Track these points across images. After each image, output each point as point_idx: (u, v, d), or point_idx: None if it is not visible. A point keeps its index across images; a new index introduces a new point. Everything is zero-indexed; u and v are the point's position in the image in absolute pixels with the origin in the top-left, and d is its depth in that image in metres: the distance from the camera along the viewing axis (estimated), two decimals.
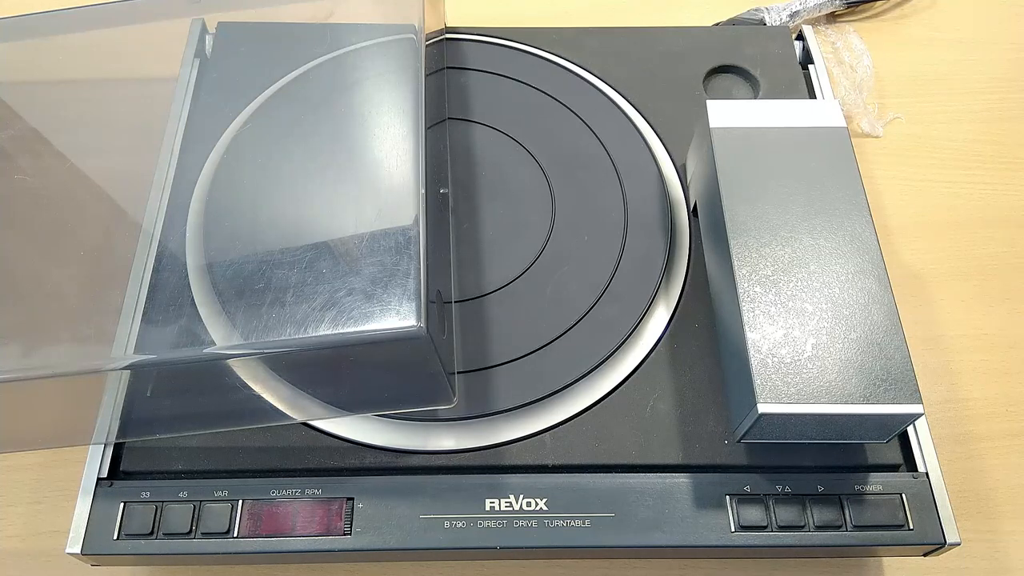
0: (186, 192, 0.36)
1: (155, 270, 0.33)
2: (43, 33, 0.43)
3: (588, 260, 0.40)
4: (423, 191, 0.32)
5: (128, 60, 0.44)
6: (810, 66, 0.49)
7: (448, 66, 0.47)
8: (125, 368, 0.31)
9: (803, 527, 0.34)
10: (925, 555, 0.35)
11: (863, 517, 0.34)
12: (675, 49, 0.48)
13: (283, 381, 0.32)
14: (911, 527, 0.34)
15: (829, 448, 0.35)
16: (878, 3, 0.58)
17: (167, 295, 0.32)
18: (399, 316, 0.29)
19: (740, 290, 0.34)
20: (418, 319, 0.29)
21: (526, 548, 0.34)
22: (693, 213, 0.42)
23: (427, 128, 0.35)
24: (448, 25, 0.49)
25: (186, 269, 0.33)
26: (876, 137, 0.52)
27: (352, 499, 0.34)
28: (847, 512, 0.34)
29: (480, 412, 0.36)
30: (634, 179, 0.43)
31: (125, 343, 0.31)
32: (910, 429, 0.36)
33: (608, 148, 0.44)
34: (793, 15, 0.55)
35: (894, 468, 0.36)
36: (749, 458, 0.35)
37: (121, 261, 0.34)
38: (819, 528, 0.34)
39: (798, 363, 0.32)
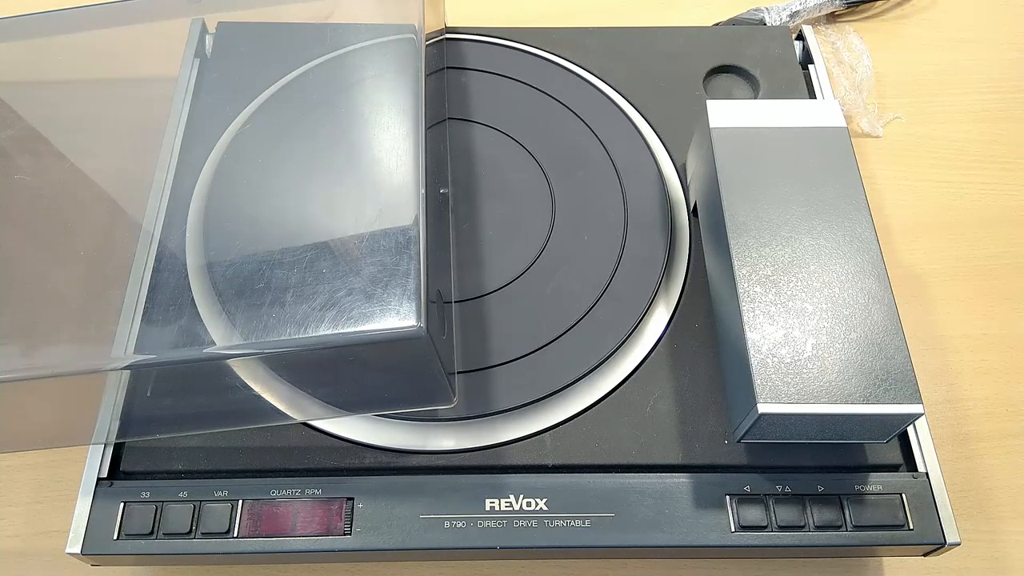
0: (186, 192, 0.36)
1: (155, 270, 0.33)
2: (43, 33, 0.43)
3: (588, 260, 0.40)
4: (423, 191, 0.32)
5: (128, 60, 0.44)
6: (810, 66, 0.49)
7: (448, 66, 0.47)
8: (125, 368, 0.31)
9: (803, 527, 0.34)
10: (925, 555, 0.35)
11: (863, 517, 0.34)
12: (675, 49, 0.48)
13: (283, 381, 0.32)
14: (911, 527, 0.34)
15: (829, 448, 0.35)
16: (878, 3, 0.58)
17: (167, 295, 0.32)
18: (399, 316, 0.29)
19: (740, 290, 0.34)
20: (418, 319, 0.29)
21: (526, 548, 0.34)
22: (693, 213, 0.42)
23: (427, 128, 0.35)
24: (448, 25, 0.49)
25: (186, 269, 0.33)
26: (876, 137, 0.52)
27: (352, 499, 0.34)
28: (847, 512, 0.34)
29: (480, 412, 0.36)
30: (634, 179, 0.43)
31: (125, 343, 0.31)
32: (910, 429, 0.36)
33: (608, 148, 0.44)
34: (793, 15, 0.55)
35: (894, 468, 0.36)
36: (749, 458, 0.35)
37: (121, 261, 0.34)
38: (819, 528, 0.34)
39: (798, 363, 0.32)
